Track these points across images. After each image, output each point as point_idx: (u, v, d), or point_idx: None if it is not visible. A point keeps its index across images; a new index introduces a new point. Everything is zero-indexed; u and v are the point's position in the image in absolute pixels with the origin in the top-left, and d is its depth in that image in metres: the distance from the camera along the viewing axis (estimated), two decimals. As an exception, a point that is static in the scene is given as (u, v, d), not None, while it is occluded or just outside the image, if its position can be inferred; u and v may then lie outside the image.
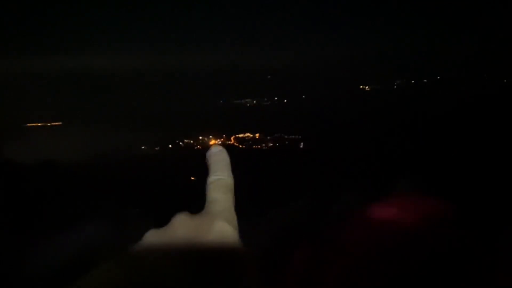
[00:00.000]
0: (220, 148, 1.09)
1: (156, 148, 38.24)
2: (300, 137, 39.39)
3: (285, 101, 56.64)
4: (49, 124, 45.42)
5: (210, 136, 41.16)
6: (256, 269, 0.84)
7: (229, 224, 0.86)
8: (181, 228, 0.83)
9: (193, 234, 0.80)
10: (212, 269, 0.73)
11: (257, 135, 41.78)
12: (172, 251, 0.76)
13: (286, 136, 40.05)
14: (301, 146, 37.60)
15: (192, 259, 0.73)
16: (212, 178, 1.03)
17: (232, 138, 41.35)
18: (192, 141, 40.37)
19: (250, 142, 40.65)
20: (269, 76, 70.32)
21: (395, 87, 57.52)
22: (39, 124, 45.27)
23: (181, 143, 39.65)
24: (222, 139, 40.62)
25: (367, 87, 57.84)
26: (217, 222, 0.84)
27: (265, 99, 57.11)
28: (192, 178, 27.15)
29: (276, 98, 57.27)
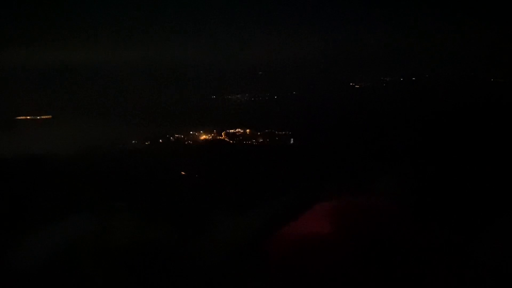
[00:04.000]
0: None
1: (146, 143, 38.18)
2: (290, 133, 39.69)
3: (276, 97, 56.71)
4: (38, 117, 45.00)
5: (201, 131, 41.20)
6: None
7: None
8: None
9: None
10: None
11: (248, 130, 41.92)
12: None
13: (276, 132, 40.30)
14: (291, 142, 37.91)
15: None
16: None
17: (223, 134, 41.42)
18: (183, 136, 40.35)
19: (241, 138, 40.80)
20: (260, 72, 70.36)
21: (384, 84, 58.03)
22: (29, 117, 44.84)
23: (171, 137, 39.63)
24: (212, 134, 40.71)
25: (356, 84, 58.25)
26: None
27: (257, 95, 57.11)
28: (183, 173, 27.25)
29: (267, 94, 57.29)
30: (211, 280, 14.85)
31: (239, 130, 40.94)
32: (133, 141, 37.51)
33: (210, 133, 40.19)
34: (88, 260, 15.93)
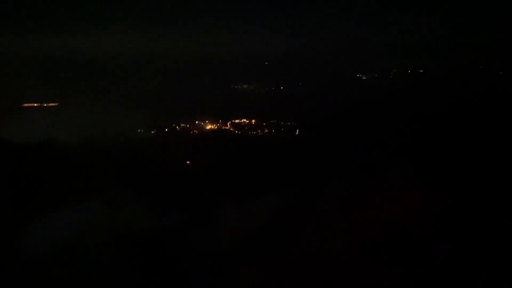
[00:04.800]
0: None
1: (152, 131, 38.38)
2: (296, 124, 39.75)
3: (282, 88, 56.71)
4: (45, 104, 45.31)
5: (207, 121, 41.36)
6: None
7: None
8: None
9: None
10: None
11: (253, 121, 42.06)
12: None
13: (282, 123, 40.41)
14: (297, 133, 37.96)
15: None
16: None
17: (228, 124, 41.56)
18: (188, 125, 40.51)
19: (246, 128, 40.92)
20: (266, 62, 70.13)
21: (391, 76, 57.90)
22: (36, 104, 45.16)
23: (177, 127, 39.81)
24: (218, 124, 40.84)
25: (363, 76, 58.15)
26: None
27: (263, 85, 57.15)
28: (188, 162, 27.40)
29: (273, 85, 57.31)
30: (216, 267, 15.09)
31: (245, 120, 41.08)
32: (139, 130, 37.69)
33: (216, 123, 40.31)
34: (95, 246, 16.19)
